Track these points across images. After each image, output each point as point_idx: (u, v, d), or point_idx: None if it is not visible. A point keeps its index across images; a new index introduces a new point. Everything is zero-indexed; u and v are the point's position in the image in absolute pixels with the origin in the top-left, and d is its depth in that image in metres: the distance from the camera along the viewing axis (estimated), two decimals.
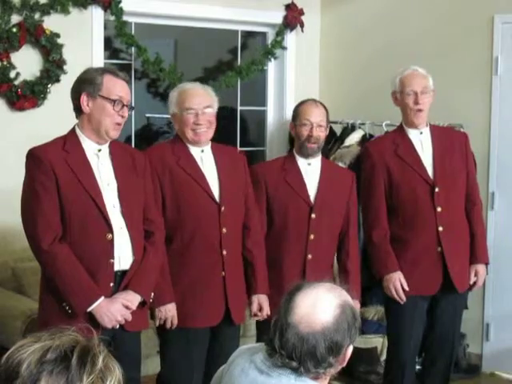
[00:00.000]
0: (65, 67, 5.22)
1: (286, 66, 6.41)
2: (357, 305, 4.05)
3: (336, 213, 4.11)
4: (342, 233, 4.15)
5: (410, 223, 4.25)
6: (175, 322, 3.68)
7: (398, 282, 4.21)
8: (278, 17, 6.27)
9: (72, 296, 3.22)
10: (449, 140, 4.35)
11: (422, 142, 4.29)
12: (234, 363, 2.30)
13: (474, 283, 4.38)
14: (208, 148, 3.83)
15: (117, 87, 3.33)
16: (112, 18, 5.49)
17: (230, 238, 3.77)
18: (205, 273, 3.74)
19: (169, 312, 3.66)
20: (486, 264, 4.44)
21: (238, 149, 6.29)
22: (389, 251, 4.24)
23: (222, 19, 6.08)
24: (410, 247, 4.25)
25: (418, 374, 4.73)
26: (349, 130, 5.89)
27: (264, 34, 6.49)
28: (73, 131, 3.37)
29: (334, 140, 5.83)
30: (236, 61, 6.40)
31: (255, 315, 3.92)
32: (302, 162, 4.11)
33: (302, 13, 6.31)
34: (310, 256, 4.03)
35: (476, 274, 4.35)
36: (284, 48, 6.34)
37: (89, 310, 3.24)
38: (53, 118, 4.95)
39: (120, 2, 5.45)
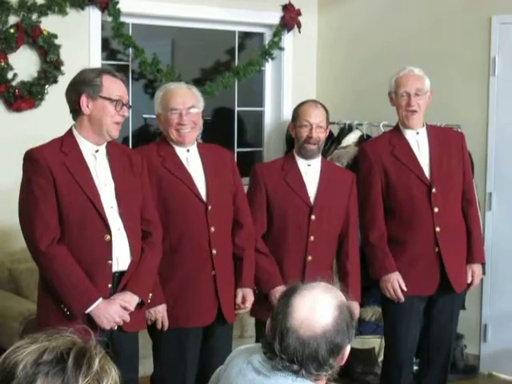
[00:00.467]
0: (62, 68, 5.21)
1: (283, 67, 6.41)
2: (357, 306, 4.06)
3: (336, 214, 4.10)
4: (342, 234, 4.15)
5: (407, 224, 4.25)
6: (166, 323, 3.67)
7: (396, 283, 4.21)
8: (275, 17, 6.26)
9: (70, 298, 3.22)
10: (445, 140, 4.35)
11: (418, 142, 4.29)
12: (231, 364, 2.30)
13: (471, 283, 4.38)
14: (194, 147, 3.82)
15: (116, 87, 3.34)
16: (109, 18, 5.49)
17: (218, 237, 3.76)
18: (195, 272, 3.74)
19: (159, 313, 3.65)
20: (483, 264, 4.45)
21: (236, 150, 6.31)
22: (386, 252, 4.24)
23: (219, 20, 6.08)
24: (408, 248, 4.25)
25: (415, 375, 4.73)
26: (346, 130, 5.89)
27: (261, 35, 6.49)
28: (70, 132, 3.37)
29: (331, 141, 5.83)
30: (233, 61, 6.40)
31: (238, 308, 3.89)
32: (301, 162, 4.11)
33: (299, 13, 6.31)
34: (309, 257, 4.02)
35: (472, 274, 4.36)
36: (281, 49, 6.34)
37: (87, 311, 3.24)
38: (50, 118, 4.94)
39: (117, 3, 5.45)
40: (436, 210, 4.21)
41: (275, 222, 4.07)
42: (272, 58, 6.34)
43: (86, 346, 1.52)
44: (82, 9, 5.36)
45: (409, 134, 4.29)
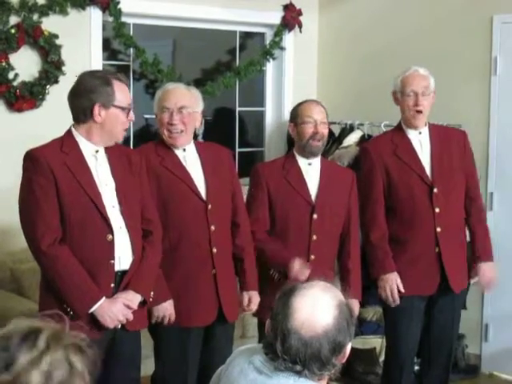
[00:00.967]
0: (63, 68, 5.22)
1: (284, 67, 6.41)
2: (356, 304, 4.06)
3: (337, 212, 4.10)
4: (343, 233, 4.14)
5: (408, 223, 4.25)
6: (173, 318, 3.67)
7: (394, 284, 4.20)
8: (276, 17, 6.27)
9: (73, 298, 3.22)
10: (446, 138, 4.34)
11: (421, 142, 4.29)
12: (232, 364, 2.30)
13: (488, 282, 4.36)
14: (190, 147, 3.81)
15: (126, 94, 3.35)
16: (110, 18, 5.49)
17: (218, 236, 3.76)
18: (195, 271, 3.74)
19: (166, 310, 3.65)
20: (491, 261, 4.41)
21: (237, 150, 6.31)
22: (387, 251, 4.23)
23: (220, 20, 6.08)
24: (408, 247, 4.25)
25: (416, 375, 4.73)
26: (347, 130, 5.89)
27: (262, 35, 6.49)
28: (69, 132, 3.36)
29: (332, 140, 5.83)
30: (234, 61, 6.40)
31: (244, 310, 3.93)
32: (302, 161, 4.10)
33: (300, 13, 6.31)
34: (312, 257, 4.01)
35: (481, 273, 4.33)
36: (282, 48, 6.34)
37: (90, 311, 3.24)
38: (51, 119, 4.94)
39: (118, 3, 5.45)
40: (437, 210, 4.20)
41: (277, 221, 4.06)
42: (273, 58, 6.34)
43: (43, 327, 1.54)
44: (83, 9, 5.36)
45: (411, 134, 4.28)
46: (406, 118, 4.27)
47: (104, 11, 5.44)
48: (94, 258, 3.28)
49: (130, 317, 3.34)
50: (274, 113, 6.54)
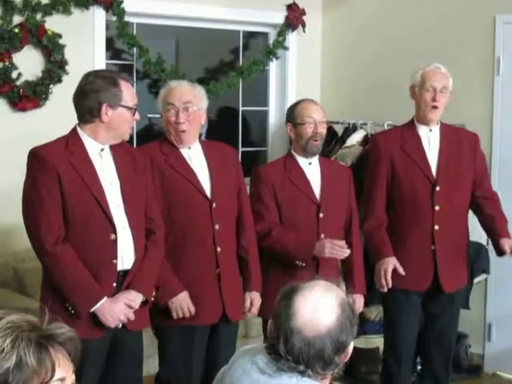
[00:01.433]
0: (66, 68, 5.22)
1: (287, 66, 6.41)
2: (361, 299, 4.07)
3: (340, 210, 4.12)
4: (346, 227, 4.15)
5: (407, 219, 4.26)
6: (192, 309, 3.64)
7: (390, 266, 4.19)
8: (279, 17, 6.27)
9: (75, 297, 3.22)
10: (457, 140, 4.33)
11: (430, 139, 4.28)
12: (235, 364, 2.30)
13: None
14: (196, 145, 3.80)
15: (132, 94, 3.36)
16: (114, 18, 5.49)
17: (223, 235, 3.75)
18: (199, 270, 3.72)
19: (183, 301, 3.63)
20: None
21: (240, 149, 6.31)
22: (383, 238, 4.25)
23: (223, 19, 6.08)
24: (405, 242, 4.26)
25: (418, 374, 4.74)
26: (350, 130, 5.88)
27: (266, 34, 6.49)
28: (74, 131, 3.36)
29: (335, 140, 5.83)
30: (238, 61, 6.40)
31: (246, 312, 3.91)
32: (302, 161, 4.10)
33: (303, 13, 6.31)
34: None
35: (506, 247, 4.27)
36: (285, 48, 6.34)
37: (92, 310, 3.24)
38: (55, 118, 4.94)
39: (122, 3, 5.45)
40: (437, 208, 4.21)
41: (285, 222, 4.03)
42: (276, 58, 6.34)
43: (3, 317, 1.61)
44: (87, 8, 5.36)
45: (422, 131, 4.28)
46: (420, 112, 4.26)
47: (107, 11, 5.45)
48: (97, 258, 3.28)
49: (132, 316, 3.33)
50: (278, 112, 6.54)
